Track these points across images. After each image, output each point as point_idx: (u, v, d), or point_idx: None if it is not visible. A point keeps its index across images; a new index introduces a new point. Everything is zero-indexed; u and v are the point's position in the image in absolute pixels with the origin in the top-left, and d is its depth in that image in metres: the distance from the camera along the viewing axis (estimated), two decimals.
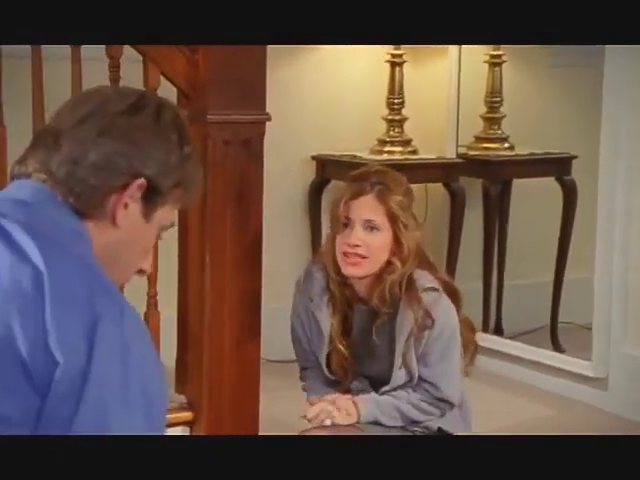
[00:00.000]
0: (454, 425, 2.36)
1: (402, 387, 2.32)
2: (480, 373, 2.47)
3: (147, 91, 1.60)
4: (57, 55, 2.65)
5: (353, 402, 2.31)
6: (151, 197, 1.33)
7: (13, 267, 1.18)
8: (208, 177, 2.49)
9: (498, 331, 4.16)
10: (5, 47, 2.54)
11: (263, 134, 2.59)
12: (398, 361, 2.29)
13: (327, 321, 2.36)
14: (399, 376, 2.31)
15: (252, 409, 2.57)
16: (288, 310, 2.50)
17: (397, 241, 2.28)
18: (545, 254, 4.12)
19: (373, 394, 2.33)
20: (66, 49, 2.56)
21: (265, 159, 2.59)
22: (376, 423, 2.31)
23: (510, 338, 4.01)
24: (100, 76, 2.42)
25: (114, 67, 2.64)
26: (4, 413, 1.14)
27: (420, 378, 2.30)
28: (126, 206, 1.31)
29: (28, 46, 2.50)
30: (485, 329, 3.96)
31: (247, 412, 2.58)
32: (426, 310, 2.25)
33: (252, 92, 2.59)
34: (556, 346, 4.03)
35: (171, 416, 2.47)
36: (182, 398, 2.62)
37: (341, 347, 2.37)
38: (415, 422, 2.32)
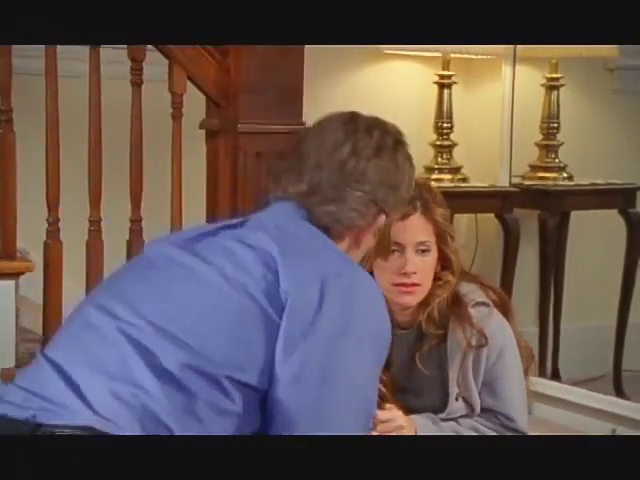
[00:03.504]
0: None
1: (463, 417, 2.10)
2: (535, 421, 2.20)
3: (380, 122, 1.72)
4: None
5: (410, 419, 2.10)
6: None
7: (253, 258, 1.51)
8: (238, 194, 2.39)
9: (555, 378, 3.98)
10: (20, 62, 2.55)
11: None
12: (454, 391, 2.08)
13: None
14: (456, 408, 2.09)
15: None
16: None
17: (443, 255, 2.12)
18: (607, 294, 3.99)
19: (431, 414, 2.11)
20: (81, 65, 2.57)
21: None
22: None
23: (569, 386, 3.78)
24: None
25: (136, 70, 2.53)
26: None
27: (486, 409, 2.09)
28: (374, 234, 1.69)
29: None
30: (541, 375, 3.69)
31: None
32: (478, 327, 2.07)
33: (288, 100, 2.51)
34: (620, 395, 3.84)
35: None
36: None
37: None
38: None
